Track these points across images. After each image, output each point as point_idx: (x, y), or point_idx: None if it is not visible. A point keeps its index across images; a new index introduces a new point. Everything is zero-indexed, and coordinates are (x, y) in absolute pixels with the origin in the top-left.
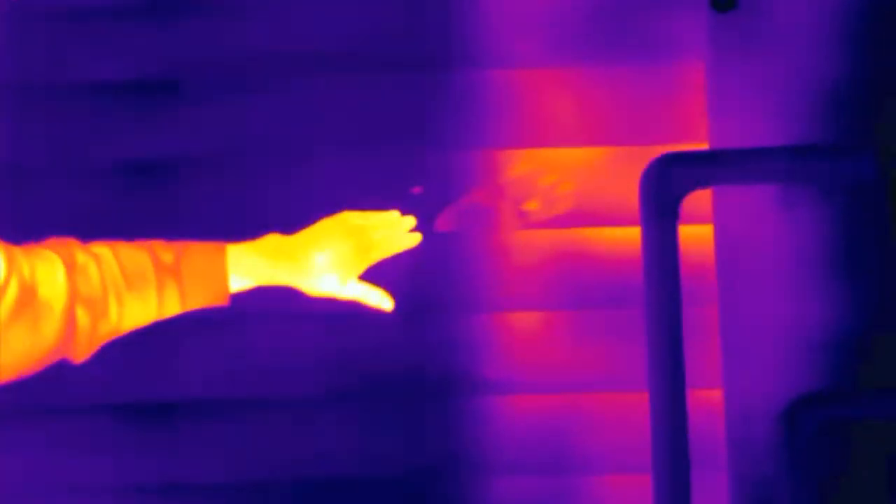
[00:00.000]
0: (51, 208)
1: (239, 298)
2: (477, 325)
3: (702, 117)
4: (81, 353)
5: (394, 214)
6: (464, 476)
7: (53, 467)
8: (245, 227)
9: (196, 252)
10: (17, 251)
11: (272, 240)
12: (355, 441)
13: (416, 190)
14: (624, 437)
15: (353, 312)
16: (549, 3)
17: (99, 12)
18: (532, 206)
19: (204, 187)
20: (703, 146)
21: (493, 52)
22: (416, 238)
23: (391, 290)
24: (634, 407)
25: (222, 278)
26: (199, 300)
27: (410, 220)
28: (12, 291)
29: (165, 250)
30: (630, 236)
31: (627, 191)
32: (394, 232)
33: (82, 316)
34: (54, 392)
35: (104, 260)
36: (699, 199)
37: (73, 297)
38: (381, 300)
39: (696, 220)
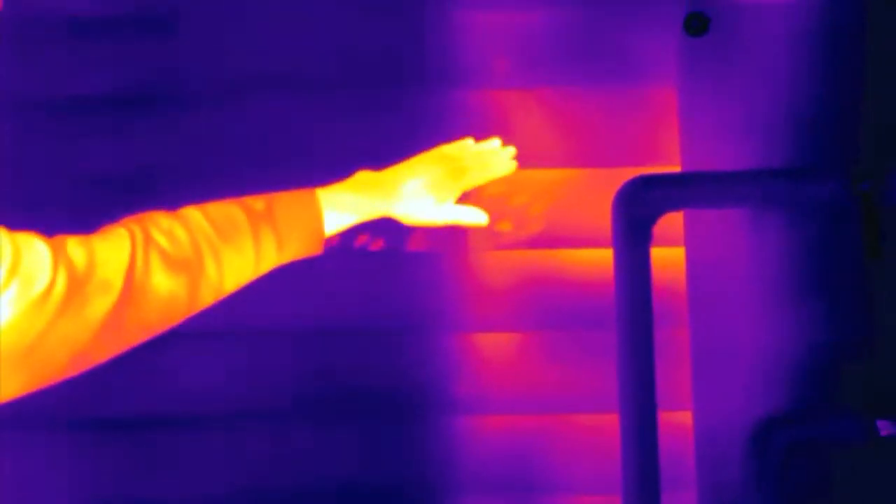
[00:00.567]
0: (25, 219)
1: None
2: (448, 346)
3: (674, 140)
4: (180, 318)
5: (492, 143)
6: (433, 496)
7: (32, 479)
8: None
9: (287, 197)
10: (73, 241)
11: (361, 175)
12: (324, 459)
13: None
14: (594, 458)
15: (325, 329)
16: (522, 24)
17: (80, 25)
18: (504, 226)
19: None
20: (676, 169)
21: (466, 73)
22: (512, 166)
23: (364, 311)
24: (605, 428)
25: (317, 219)
26: (296, 246)
27: (510, 150)
28: (60, 286)
29: (255, 200)
30: (602, 258)
31: (599, 212)
32: (488, 159)
33: (175, 283)
34: (31, 405)
35: (191, 219)
36: (671, 222)
37: (145, 271)
38: (478, 218)
39: (667, 242)
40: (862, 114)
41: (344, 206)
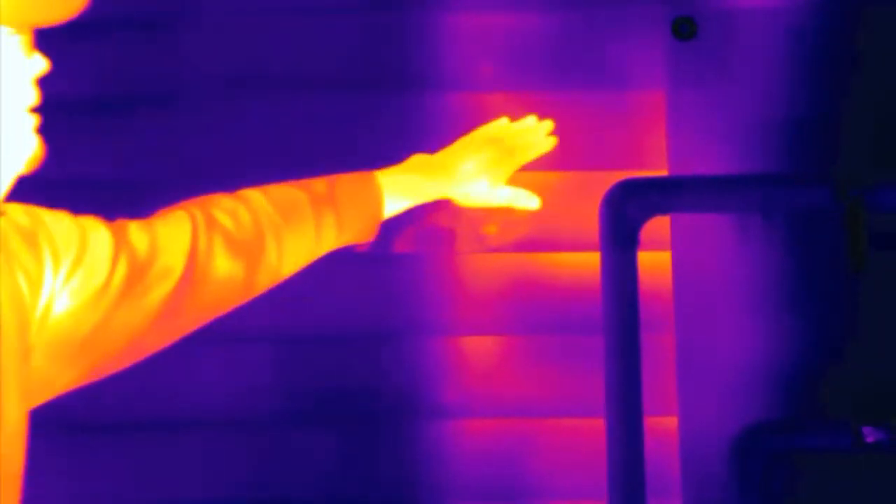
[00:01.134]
0: None
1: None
2: (432, 350)
3: (661, 144)
4: (236, 302)
5: (531, 120)
6: (414, 502)
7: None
8: None
9: (348, 180)
10: (135, 226)
11: (417, 158)
12: (303, 465)
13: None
14: (579, 463)
15: (304, 335)
16: (508, 26)
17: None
18: (490, 229)
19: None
20: (663, 173)
21: (451, 75)
22: (552, 142)
23: (345, 314)
24: (590, 433)
25: (377, 203)
26: (354, 230)
27: (548, 124)
28: (120, 275)
29: (317, 182)
30: (588, 262)
31: (586, 216)
32: (533, 137)
33: (235, 266)
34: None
35: (254, 201)
36: (658, 226)
37: (208, 255)
38: (530, 201)
39: (654, 246)
40: (850, 121)
41: (402, 189)
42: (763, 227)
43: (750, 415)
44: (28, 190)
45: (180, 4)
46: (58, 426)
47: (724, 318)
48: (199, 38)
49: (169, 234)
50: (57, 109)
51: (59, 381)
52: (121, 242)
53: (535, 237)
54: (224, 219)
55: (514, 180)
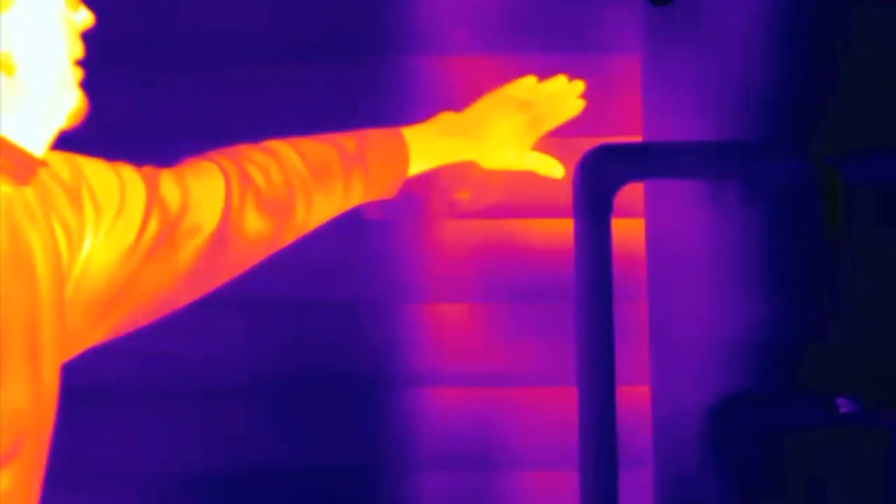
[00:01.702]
0: None
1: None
2: (403, 316)
3: (636, 110)
4: (261, 257)
5: (560, 81)
6: (385, 471)
7: None
8: None
9: (377, 138)
10: (166, 177)
11: (446, 117)
12: (275, 434)
13: None
14: (551, 433)
15: (272, 301)
16: None
17: None
18: (462, 195)
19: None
20: (637, 140)
21: (424, 40)
22: (580, 105)
23: (316, 280)
24: (562, 402)
25: (404, 163)
26: (379, 189)
27: (578, 86)
28: (152, 229)
29: (347, 139)
30: (561, 228)
31: (560, 183)
32: (560, 101)
33: (265, 223)
34: None
35: (285, 157)
36: (632, 193)
37: (240, 213)
38: (554, 168)
39: (628, 213)
40: (828, 89)
41: (430, 151)
42: (739, 195)
43: (725, 387)
44: None
45: None
46: None
47: (699, 288)
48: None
49: (201, 190)
50: None
51: (87, 337)
52: (153, 195)
53: (507, 203)
54: (257, 176)
55: None
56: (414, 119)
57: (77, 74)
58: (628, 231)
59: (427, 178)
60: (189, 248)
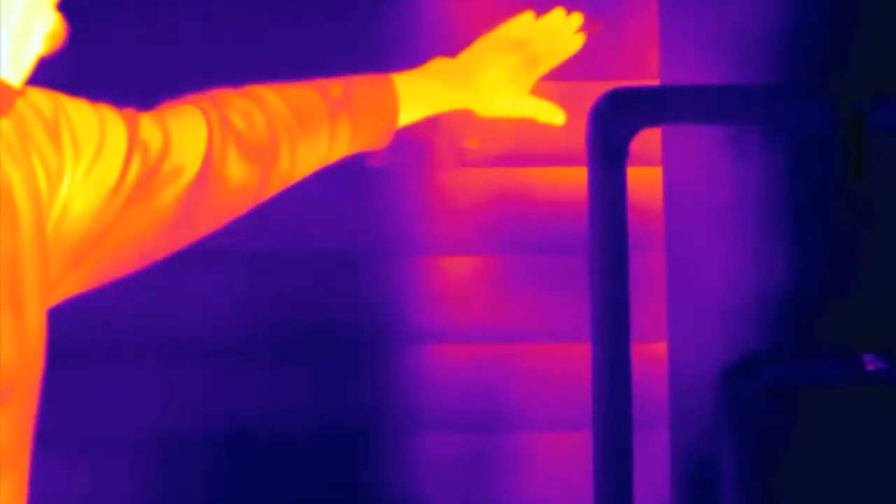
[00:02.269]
0: None
1: None
2: (408, 269)
3: (653, 52)
4: (245, 209)
5: (557, 16)
6: (386, 433)
7: None
8: None
9: (364, 83)
10: (147, 119)
11: (438, 62)
12: (271, 394)
13: None
14: (562, 392)
15: (270, 254)
16: None
17: None
18: (471, 142)
19: None
20: (655, 83)
21: None
22: (579, 41)
23: (317, 232)
24: (575, 360)
25: (393, 111)
26: (367, 138)
27: (576, 19)
28: (133, 173)
29: (333, 84)
30: (575, 177)
31: (573, 129)
32: (559, 39)
33: (248, 171)
34: None
35: (269, 102)
36: (649, 139)
37: (222, 158)
38: (553, 114)
39: (644, 161)
40: (852, 31)
41: (421, 98)
42: (760, 141)
43: (744, 342)
44: None
45: None
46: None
47: (718, 239)
48: None
49: (182, 132)
50: None
51: (63, 285)
52: (134, 137)
53: (518, 150)
54: (239, 121)
55: None
56: (419, 61)
57: None
58: (645, 179)
59: (432, 124)
60: (169, 193)
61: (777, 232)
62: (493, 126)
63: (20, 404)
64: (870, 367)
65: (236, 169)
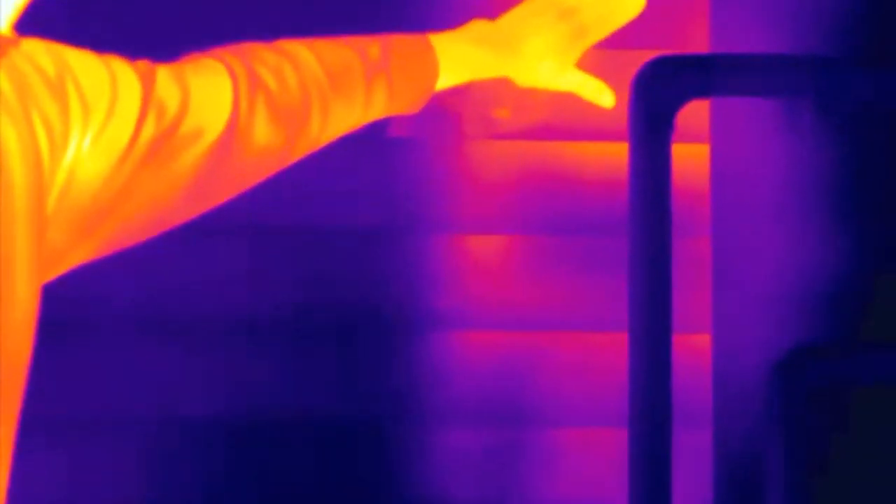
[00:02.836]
0: None
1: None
2: (431, 249)
3: (702, 18)
4: (267, 174)
5: None
6: (405, 424)
7: None
8: None
9: (403, 45)
10: (164, 74)
11: (478, 25)
12: (284, 378)
13: None
14: (597, 384)
15: (287, 228)
16: None
17: None
18: (502, 113)
19: None
20: (703, 51)
21: None
22: (639, 5)
23: (334, 207)
24: (611, 350)
25: (432, 75)
26: (405, 101)
27: None
28: (147, 133)
29: (370, 44)
30: (615, 152)
31: (615, 99)
32: (611, 4)
33: (275, 134)
34: None
35: (302, 60)
36: (696, 113)
37: (249, 120)
38: (600, 93)
39: (691, 137)
40: None
41: (460, 63)
42: (815, 117)
43: (794, 336)
44: None
45: None
46: None
47: (768, 223)
48: None
49: (204, 90)
50: None
51: (72, 255)
52: (149, 94)
53: (553, 123)
54: (268, 78)
55: None
56: (448, 27)
57: None
58: (691, 157)
59: (461, 92)
60: (189, 156)
61: (832, 218)
62: (526, 95)
63: (4, 383)
64: None
65: (263, 132)
